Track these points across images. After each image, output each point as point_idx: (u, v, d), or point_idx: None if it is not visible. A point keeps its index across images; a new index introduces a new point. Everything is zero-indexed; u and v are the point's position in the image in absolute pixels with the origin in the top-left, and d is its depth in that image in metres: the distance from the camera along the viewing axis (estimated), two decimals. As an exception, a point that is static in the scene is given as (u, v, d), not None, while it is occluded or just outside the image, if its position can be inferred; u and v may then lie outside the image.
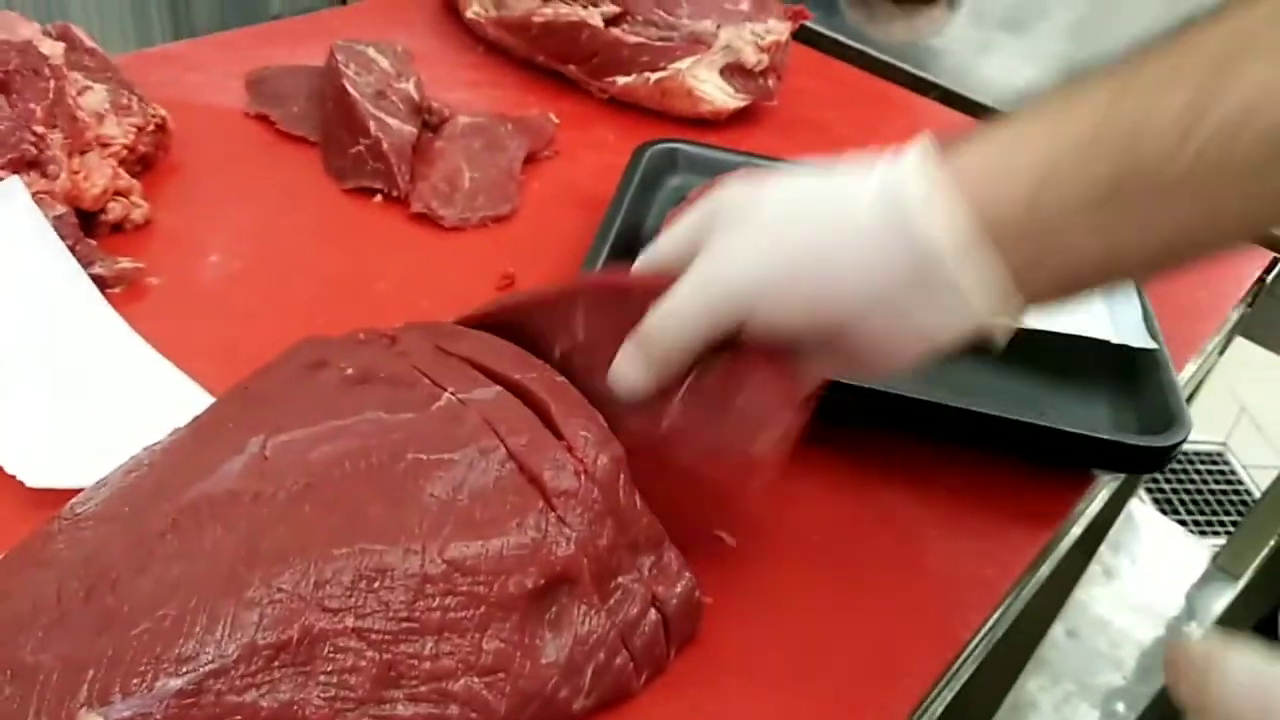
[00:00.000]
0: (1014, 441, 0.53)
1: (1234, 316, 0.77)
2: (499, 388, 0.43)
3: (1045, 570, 0.53)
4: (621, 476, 0.41)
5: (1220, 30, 0.36)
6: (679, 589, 0.42)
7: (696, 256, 0.41)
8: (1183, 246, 0.38)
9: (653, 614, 0.41)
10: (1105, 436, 0.52)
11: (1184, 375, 0.67)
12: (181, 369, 0.52)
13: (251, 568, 0.35)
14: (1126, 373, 0.59)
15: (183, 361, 0.53)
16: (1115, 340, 0.58)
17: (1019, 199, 0.36)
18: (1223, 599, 1.77)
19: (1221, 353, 0.80)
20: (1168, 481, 2.12)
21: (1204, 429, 2.04)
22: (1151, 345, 0.58)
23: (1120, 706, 1.65)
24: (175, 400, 0.49)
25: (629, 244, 0.65)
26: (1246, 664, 0.32)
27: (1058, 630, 1.75)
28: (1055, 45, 1.18)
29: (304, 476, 0.38)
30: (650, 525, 0.42)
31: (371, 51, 0.73)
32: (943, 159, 0.38)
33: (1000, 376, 0.56)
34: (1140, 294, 0.62)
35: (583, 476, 0.40)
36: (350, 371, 0.43)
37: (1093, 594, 1.81)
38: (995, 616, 0.48)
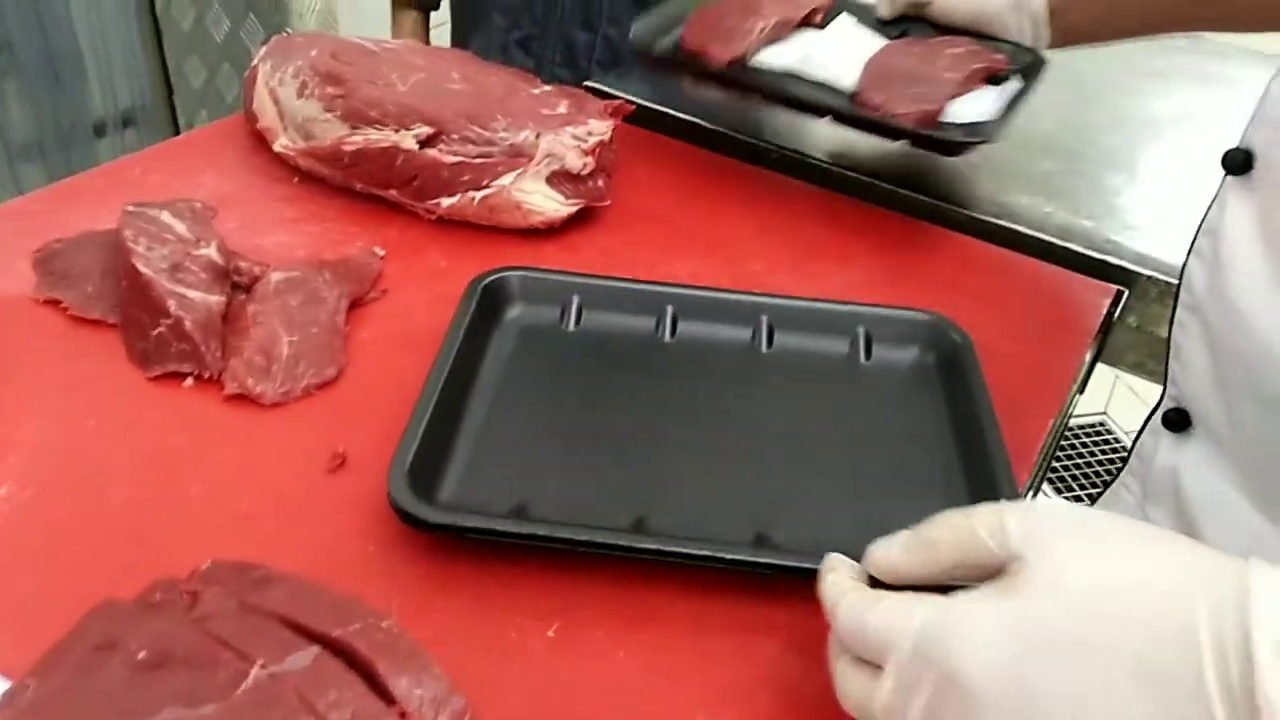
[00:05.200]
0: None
1: (1088, 358, 0.77)
2: (317, 648, 0.38)
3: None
4: (465, 730, 0.37)
5: None
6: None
7: None
8: None
9: None
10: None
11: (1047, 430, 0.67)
12: (-37, 649, 0.46)
13: None
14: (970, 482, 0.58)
15: (-34, 636, 0.47)
16: None
17: None
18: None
19: (1081, 391, 0.80)
20: (1056, 459, 2.17)
21: (1083, 403, 2.10)
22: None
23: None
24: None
25: (464, 388, 0.61)
26: (851, 600, 0.42)
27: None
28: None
29: (89, 817, 0.33)
30: (503, 777, 0.38)
31: (165, 216, 0.68)
32: None
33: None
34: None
35: (419, 743, 0.36)
36: (143, 655, 0.38)
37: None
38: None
